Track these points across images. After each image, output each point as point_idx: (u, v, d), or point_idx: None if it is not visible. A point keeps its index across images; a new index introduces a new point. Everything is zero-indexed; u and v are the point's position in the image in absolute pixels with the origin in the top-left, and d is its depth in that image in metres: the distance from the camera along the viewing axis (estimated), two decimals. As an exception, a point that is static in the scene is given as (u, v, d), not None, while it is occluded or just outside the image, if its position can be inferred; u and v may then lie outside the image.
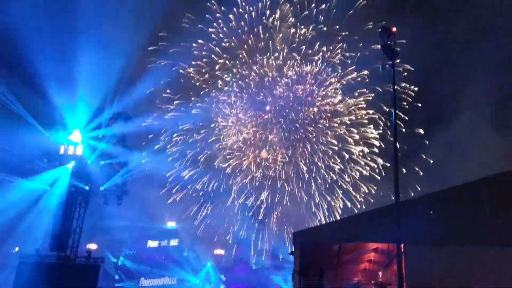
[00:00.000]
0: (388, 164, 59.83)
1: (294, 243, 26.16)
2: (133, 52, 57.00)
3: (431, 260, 21.14)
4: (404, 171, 57.64)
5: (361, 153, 62.45)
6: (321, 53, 62.05)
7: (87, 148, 39.57)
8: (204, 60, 64.00)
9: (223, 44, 63.54)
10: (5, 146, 37.34)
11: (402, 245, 18.33)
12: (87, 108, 39.72)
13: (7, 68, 45.80)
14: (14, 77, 43.57)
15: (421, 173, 59.37)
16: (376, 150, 62.35)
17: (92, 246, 56.49)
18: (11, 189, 39.09)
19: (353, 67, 62.03)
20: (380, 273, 28.30)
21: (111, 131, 40.58)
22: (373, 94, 61.73)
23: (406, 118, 59.69)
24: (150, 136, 62.46)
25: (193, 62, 64.21)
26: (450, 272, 20.81)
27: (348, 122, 62.71)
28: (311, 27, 62.00)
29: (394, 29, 18.49)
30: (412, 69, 59.18)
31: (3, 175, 37.90)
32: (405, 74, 59.40)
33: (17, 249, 52.65)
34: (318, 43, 61.92)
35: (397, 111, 22.79)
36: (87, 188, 39.56)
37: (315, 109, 63.04)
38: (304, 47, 62.14)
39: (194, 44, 63.46)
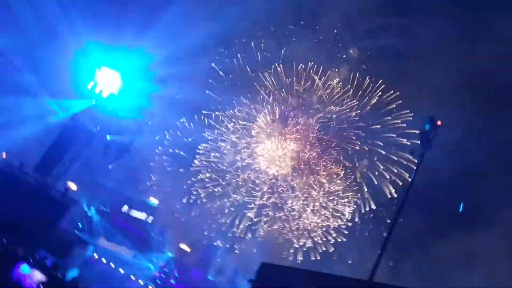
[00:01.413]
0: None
1: (258, 272, 25.47)
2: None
3: None
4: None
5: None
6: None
7: (114, 95, 39.39)
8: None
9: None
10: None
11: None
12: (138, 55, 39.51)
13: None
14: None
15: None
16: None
17: (72, 186, 55.90)
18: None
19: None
20: None
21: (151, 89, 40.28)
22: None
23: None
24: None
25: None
26: None
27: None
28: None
29: (439, 122, 18.25)
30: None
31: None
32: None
33: (4, 155, 52.44)
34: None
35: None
36: (94, 130, 39.41)
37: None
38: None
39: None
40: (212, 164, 64.64)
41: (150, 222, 71.68)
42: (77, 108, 38.20)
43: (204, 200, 65.73)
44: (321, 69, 60.86)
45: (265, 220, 64.24)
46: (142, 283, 65.77)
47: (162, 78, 42.22)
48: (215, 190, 64.89)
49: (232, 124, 63.09)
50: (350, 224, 61.18)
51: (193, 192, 65.52)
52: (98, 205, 67.54)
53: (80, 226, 66.33)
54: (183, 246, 73.01)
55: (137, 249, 67.21)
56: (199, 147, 63.99)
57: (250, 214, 64.29)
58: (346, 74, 61.17)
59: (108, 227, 66.66)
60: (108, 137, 39.76)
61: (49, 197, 36.04)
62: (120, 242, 67.44)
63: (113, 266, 63.49)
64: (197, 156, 63.83)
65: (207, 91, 60.62)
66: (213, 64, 61.18)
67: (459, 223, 57.37)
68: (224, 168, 64.44)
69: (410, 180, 18.60)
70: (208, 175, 64.78)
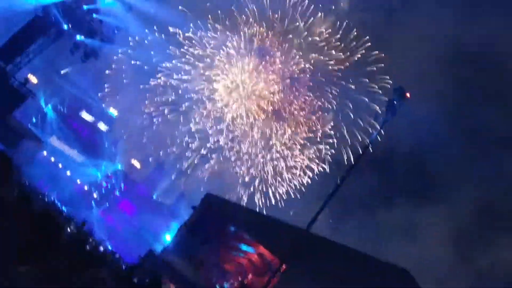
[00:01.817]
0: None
1: (202, 201, 26.15)
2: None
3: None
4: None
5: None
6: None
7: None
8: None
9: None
10: None
11: (283, 265, 18.65)
12: None
13: None
14: None
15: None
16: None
17: (33, 79, 54.34)
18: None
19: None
20: (250, 275, 28.69)
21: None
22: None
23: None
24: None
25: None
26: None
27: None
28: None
29: (408, 94, 18.76)
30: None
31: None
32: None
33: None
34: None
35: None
36: (65, 27, 38.07)
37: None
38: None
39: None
40: (172, 86, 62.42)
41: (105, 131, 71.16)
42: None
43: (159, 120, 64.20)
44: (309, 11, 58.85)
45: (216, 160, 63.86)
46: (86, 188, 66.12)
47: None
48: (170, 116, 63.49)
49: (200, 49, 60.94)
50: (302, 178, 61.31)
51: (150, 111, 63.57)
52: (56, 104, 66.19)
53: (34, 121, 65.26)
54: (134, 162, 73.17)
55: (88, 154, 66.92)
56: (162, 64, 61.01)
57: (203, 151, 63.46)
58: (332, 24, 59.36)
59: (62, 127, 65.71)
60: (78, 37, 38.50)
61: (7, 85, 35.12)
62: (71, 145, 66.86)
63: (60, 166, 63.33)
64: (158, 75, 61.04)
65: (180, 7, 57.69)
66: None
67: (409, 196, 59.29)
68: (184, 94, 62.44)
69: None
70: (166, 97, 62.92)
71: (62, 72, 53.97)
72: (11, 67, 36.38)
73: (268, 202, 61.46)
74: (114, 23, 39.77)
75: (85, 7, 37.88)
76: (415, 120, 50.52)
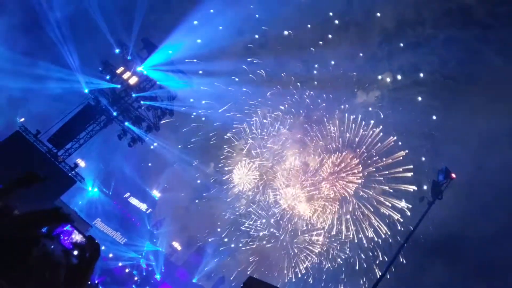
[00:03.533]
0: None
1: (244, 285, 25.60)
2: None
3: None
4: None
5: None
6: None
7: (141, 83, 40.16)
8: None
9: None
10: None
11: None
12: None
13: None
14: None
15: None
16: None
17: (81, 163, 56.58)
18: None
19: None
20: None
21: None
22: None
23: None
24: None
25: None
26: None
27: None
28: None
29: (454, 175, 18.34)
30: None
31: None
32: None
33: (22, 119, 53.41)
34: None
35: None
36: (115, 114, 39.94)
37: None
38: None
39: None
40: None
41: (148, 213, 72.29)
42: (101, 86, 39.02)
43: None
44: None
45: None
46: (127, 271, 66.13)
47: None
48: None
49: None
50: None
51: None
52: (101, 186, 68.22)
53: (80, 203, 67.10)
54: (175, 244, 73.33)
55: (130, 237, 67.69)
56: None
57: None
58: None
59: (106, 209, 67.27)
60: (126, 123, 40.18)
61: (56, 170, 36.46)
62: (115, 227, 67.99)
63: (103, 248, 63.97)
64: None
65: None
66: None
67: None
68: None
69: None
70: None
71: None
72: (63, 153, 38.00)
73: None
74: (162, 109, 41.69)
75: (134, 95, 39.89)
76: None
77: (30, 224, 3.06)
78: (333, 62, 60.41)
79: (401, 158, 57.40)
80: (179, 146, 65.90)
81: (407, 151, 57.47)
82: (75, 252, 3.24)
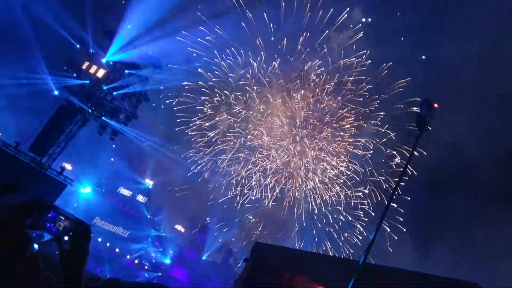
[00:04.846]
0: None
1: (253, 251, 25.86)
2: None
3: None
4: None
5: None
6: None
7: (109, 74, 39.45)
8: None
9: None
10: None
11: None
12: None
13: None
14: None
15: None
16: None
17: (68, 166, 55.94)
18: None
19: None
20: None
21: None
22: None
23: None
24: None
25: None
26: None
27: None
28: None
29: (436, 105, 18.42)
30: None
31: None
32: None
33: (-1, 134, 52.49)
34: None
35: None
36: (89, 110, 39.38)
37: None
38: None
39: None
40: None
41: (145, 202, 72.34)
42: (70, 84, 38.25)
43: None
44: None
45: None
46: (136, 262, 66.70)
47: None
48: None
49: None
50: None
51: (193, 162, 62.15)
52: (93, 185, 67.83)
53: (75, 205, 66.82)
54: (178, 227, 73.87)
55: (132, 229, 67.92)
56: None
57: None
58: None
59: (103, 207, 67.15)
60: (103, 118, 39.65)
61: (46, 178, 36.18)
62: (115, 222, 68.08)
63: (108, 245, 64.29)
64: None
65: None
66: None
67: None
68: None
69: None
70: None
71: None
72: (47, 159, 37.56)
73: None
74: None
75: (104, 87, 39.24)
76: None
77: (12, 220, 2.97)
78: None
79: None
80: (161, 127, 64.19)
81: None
82: (66, 238, 3.16)
